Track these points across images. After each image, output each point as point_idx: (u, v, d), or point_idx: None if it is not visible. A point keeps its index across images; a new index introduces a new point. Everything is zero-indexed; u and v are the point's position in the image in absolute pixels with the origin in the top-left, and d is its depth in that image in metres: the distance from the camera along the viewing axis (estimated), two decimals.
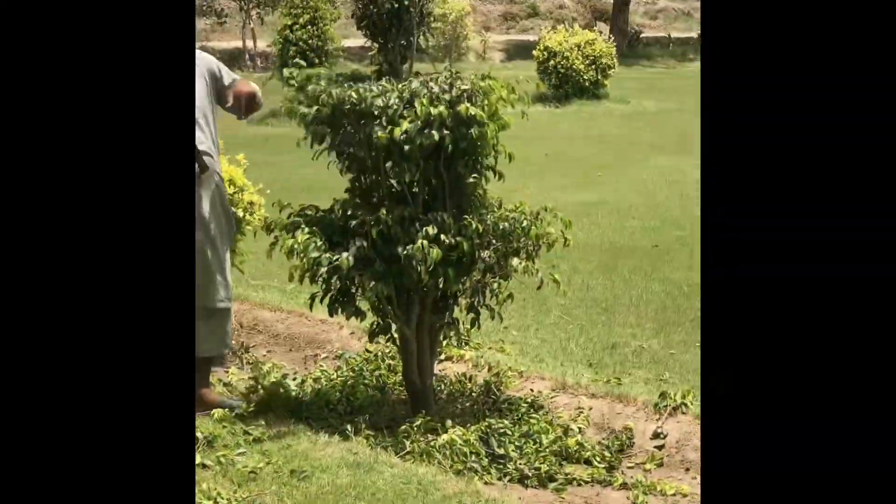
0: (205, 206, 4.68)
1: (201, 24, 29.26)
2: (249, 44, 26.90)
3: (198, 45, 24.24)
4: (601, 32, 23.47)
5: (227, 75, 4.92)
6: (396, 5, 15.67)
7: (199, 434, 4.40)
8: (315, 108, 4.45)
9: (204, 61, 4.78)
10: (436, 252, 4.26)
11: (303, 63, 4.62)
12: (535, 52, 21.52)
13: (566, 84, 20.89)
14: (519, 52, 29.45)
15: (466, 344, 5.69)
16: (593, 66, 20.87)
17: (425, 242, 4.27)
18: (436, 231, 4.33)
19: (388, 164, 4.37)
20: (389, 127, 4.28)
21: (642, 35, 32.86)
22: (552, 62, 20.82)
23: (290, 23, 21.37)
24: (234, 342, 6.00)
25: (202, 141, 4.72)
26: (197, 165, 4.60)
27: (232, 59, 27.08)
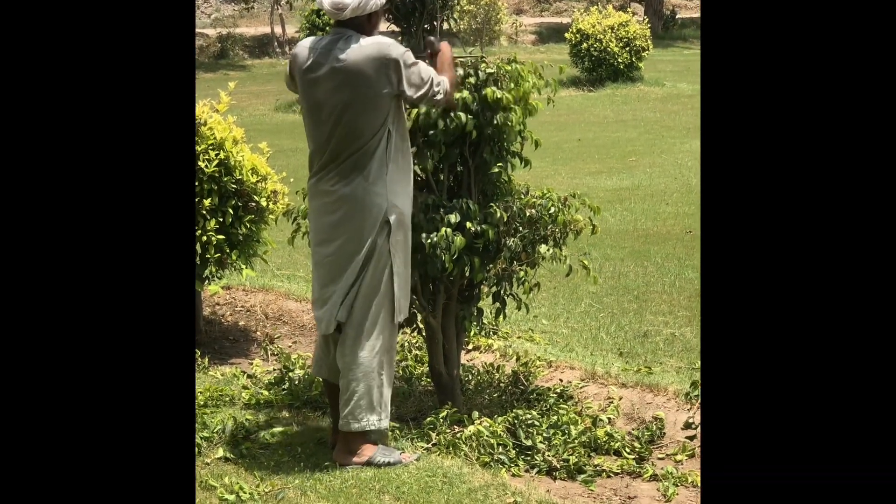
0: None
1: (229, 9, 29.24)
2: (278, 30, 26.84)
3: (224, 31, 23.82)
4: (635, 14, 23.27)
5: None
6: None
7: (222, 427, 4.36)
8: None
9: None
10: (459, 240, 4.19)
11: None
12: (567, 35, 21.36)
13: (600, 67, 20.70)
14: (552, 34, 29.25)
15: (494, 333, 5.62)
16: (627, 49, 20.65)
17: (449, 230, 4.19)
18: (459, 218, 4.25)
19: (412, 150, 4.29)
20: (412, 110, 4.21)
21: (678, 16, 32.54)
22: (585, 45, 20.65)
23: (317, 8, 21.30)
24: (258, 333, 5.97)
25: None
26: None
27: (260, 45, 27.08)
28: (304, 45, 4.03)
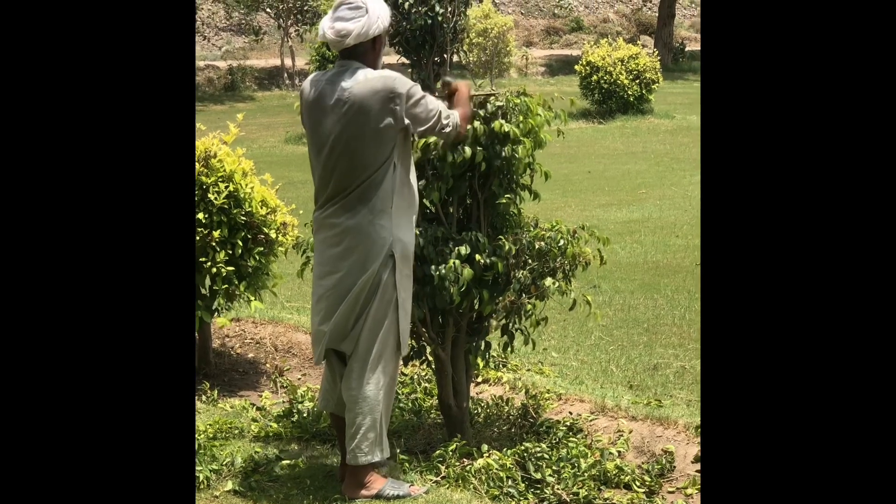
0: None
1: (240, 42, 29.41)
2: (288, 62, 26.97)
3: (235, 63, 23.85)
4: (645, 46, 23.33)
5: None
6: (429, 22, 15.60)
7: (231, 459, 4.34)
8: None
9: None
10: (467, 272, 4.18)
11: None
12: (577, 67, 21.43)
13: (610, 99, 20.77)
14: (562, 67, 29.36)
15: (504, 366, 5.60)
16: (637, 81, 20.73)
17: (457, 262, 4.19)
18: (469, 251, 4.24)
19: (421, 183, 4.30)
20: (420, 141, 4.22)
21: (687, 49, 32.62)
22: (595, 77, 20.72)
23: None
24: (268, 365, 5.96)
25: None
26: None
27: (270, 77, 27.21)
28: (311, 79, 4.02)
